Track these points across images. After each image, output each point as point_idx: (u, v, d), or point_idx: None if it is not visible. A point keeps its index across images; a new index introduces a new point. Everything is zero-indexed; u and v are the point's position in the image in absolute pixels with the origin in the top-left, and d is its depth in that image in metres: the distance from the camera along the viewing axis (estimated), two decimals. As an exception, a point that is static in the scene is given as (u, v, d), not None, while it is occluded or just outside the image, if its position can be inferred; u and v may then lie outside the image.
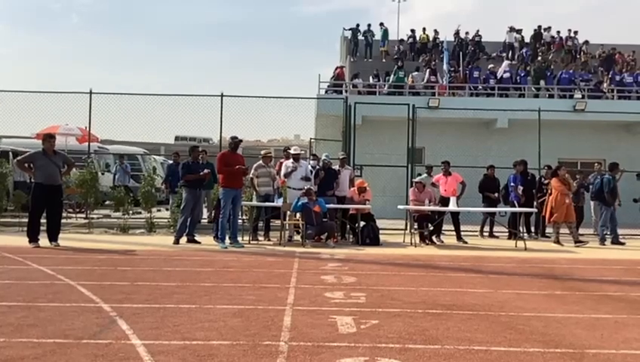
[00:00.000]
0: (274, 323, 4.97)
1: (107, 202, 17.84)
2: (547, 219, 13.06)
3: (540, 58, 23.12)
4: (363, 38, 25.48)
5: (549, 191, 13.09)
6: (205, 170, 11.69)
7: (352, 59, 24.72)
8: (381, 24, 26.01)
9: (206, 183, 12.21)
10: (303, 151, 13.75)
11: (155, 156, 24.77)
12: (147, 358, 3.93)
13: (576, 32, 26.07)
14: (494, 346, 4.41)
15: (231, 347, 4.24)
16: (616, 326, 5.19)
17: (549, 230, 13.82)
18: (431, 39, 25.70)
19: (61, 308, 5.42)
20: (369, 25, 25.86)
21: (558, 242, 12.52)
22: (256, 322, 4.99)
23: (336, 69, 22.21)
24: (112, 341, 4.34)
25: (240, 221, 11.88)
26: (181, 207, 11.68)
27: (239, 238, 11.28)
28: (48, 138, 10.55)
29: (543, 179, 14.45)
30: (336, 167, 12.95)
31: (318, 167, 12.77)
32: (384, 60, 24.82)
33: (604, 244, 12.61)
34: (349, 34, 26.13)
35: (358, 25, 25.73)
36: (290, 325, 4.90)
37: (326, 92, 20.94)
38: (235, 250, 10.43)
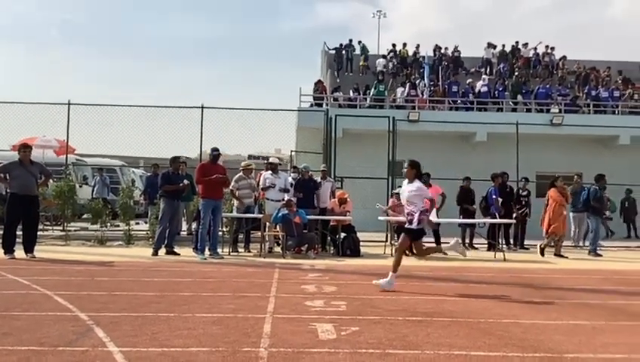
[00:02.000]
0: (254, 330, 4.93)
1: (85, 215, 17.60)
2: (545, 230, 12.93)
3: (517, 73, 23.47)
4: (344, 52, 25.66)
5: (546, 203, 13.05)
6: (185, 181, 11.61)
7: (337, 78, 24.66)
8: (359, 42, 26.35)
9: (185, 195, 12.12)
10: (280, 163, 13.78)
11: (134, 169, 24.54)
12: (124, 365, 3.87)
13: (552, 48, 26.54)
14: (474, 351, 4.43)
15: (210, 353, 4.19)
16: (594, 332, 5.24)
17: (533, 241, 13.87)
18: (410, 54, 25.95)
19: (37, 317, 5.32)
20: (350, 40, 26.17)
21: (542, 252, 12.56)
22: (236, 329, 4.95)
23: (317, 83, 22.28)
24: (89, 348, 4.27)
25: (220, 233, 11.81)
26: (159, 218, 11.58)
27: (219, 250, 11.20)
28: (24, 148, 10.40)
29: (520, 191, 14.63)
30: (317, 179, 12.97)
31: (298, 177, 12.78)
32: (362, 75, 24.99)
33: (599, 255, 12.66)
34: (329, 49, 26.33)
35: (341, 45, 25.91)
36: (270, 332, 4.86)
37: (311, 106, 20.99)
38: (215, 261, 10.35)
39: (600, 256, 12.77)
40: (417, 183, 7.72)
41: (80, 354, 4.13)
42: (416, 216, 7.51)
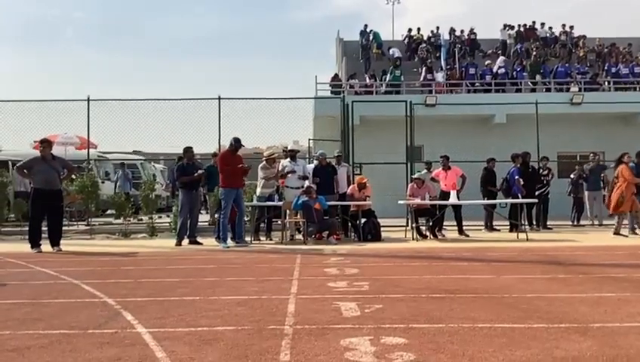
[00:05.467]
0: (278, 310, 4.98)
1: (108, 211, 17.81)
2: (624, 208, 12.12)
3: (534, 53, 23.14)
4: (359, 38, 25.53)
5: (615, 181, 12.31)
6: (199, 171, 11.67)
7: (368, 65, 24.27)
8: (370, 30, 26.14)
9: (204, 184, 12.23)
10: (299, 150, 13.83)
11: (154, 164, 24.77)
12: (153, 344, 3.94)
13: (571, 27, 26.12)
14: (498, 323, 4.43)
15: (236, 331, 4.25)
16: (619, 303, 5.20)
17: (555, 222, 13.72)
18: (425, 38, 25.71)
19: (65, 304, 5.44)
20: (365, 26, 26.04)
21: (634, 232, 12.17)
22: (261, 310, 5.01)
23: (334, 77, 22.27)
24: (118, 330, 4.36)
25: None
26: (179, 210, 11.72)
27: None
28: (45, 143, 10.55)
29: (540, 170, 14.53)
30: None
31: (315, 164, 12.80)
32: (377, 61, 24.75)
33: (636, 233, 12.23)
34: (344, 36, 26.33)
35: (362, 31, 25.72)
36: (294, 311, 4.91)
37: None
38: (237, 249, 10.44)
39: (637, 234, 12.22)
40: None
41: (109, 335, 4.21)
42: None
